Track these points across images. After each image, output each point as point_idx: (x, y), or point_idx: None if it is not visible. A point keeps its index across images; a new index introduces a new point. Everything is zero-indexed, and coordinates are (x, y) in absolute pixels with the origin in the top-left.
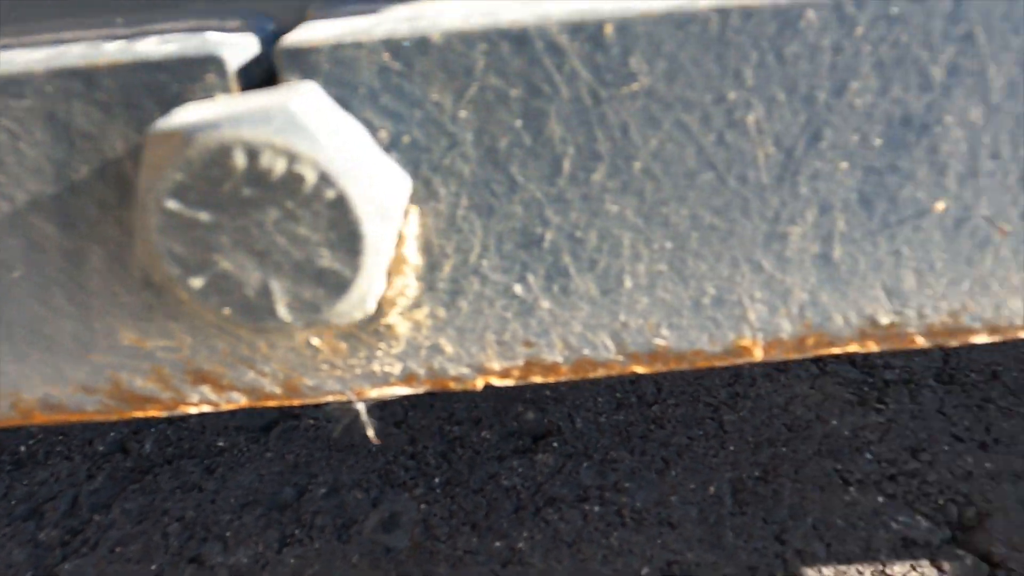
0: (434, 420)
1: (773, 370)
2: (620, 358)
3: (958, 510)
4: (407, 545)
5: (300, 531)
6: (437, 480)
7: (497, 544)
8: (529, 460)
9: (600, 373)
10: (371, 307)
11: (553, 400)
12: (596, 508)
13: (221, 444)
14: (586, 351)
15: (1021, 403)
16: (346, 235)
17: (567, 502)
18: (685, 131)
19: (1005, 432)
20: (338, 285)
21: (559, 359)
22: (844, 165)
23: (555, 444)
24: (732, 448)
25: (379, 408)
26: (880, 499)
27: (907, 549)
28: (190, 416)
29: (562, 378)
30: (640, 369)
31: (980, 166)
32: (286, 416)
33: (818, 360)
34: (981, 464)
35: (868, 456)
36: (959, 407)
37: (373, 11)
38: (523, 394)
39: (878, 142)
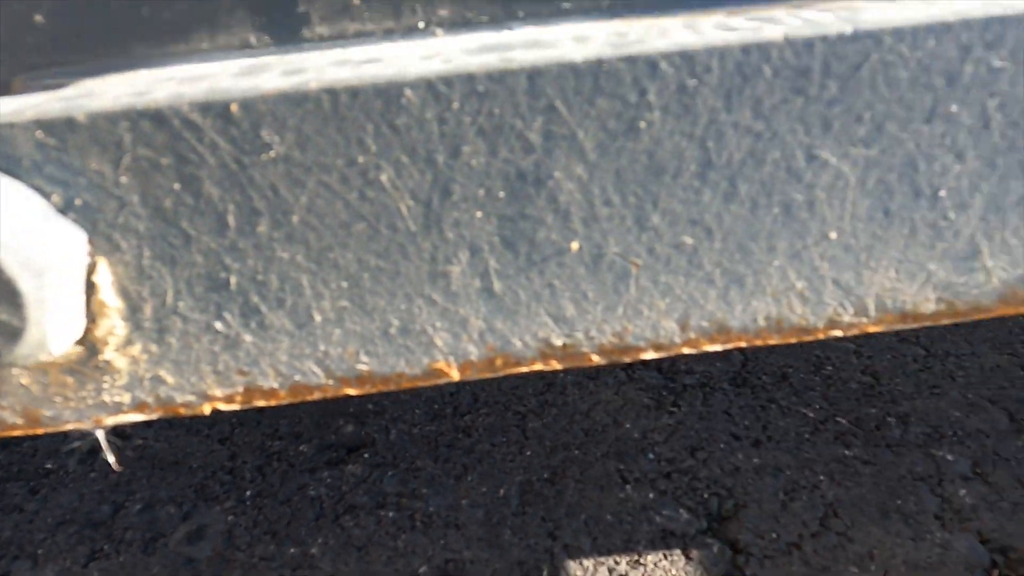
0: (257, 436)
1: (584, 378)
2: (331, 382)
3: (718, 503)
4: (209, 555)
5: (109, 546)
6: (249, 493)
7: (292, 551)
8: (339, 471)
9: (317, 395)
10: (57, 348)
11: (373, 413)
12: (391, 514)
13: (49, 466)
14: (297, 377)
15: (802, 402)
16: (6, 293)
17: (366, 509)
18: (329, 190)
19: (779, 429)
20: (12, 334)
21: (275, 384)
22: (479, 214)
23: (366, 455)
24: (529, 453)
25: (207, 426)
26: (651, 495)
27: (664, 540)
28: (23, 439)
29: (283, 401)
30: (352, 391)
31: (598, 212)
32: (117, 436)
33: (628, 367)
34: (750, 460)
35: (651, 456)
36: (744, 408)
37: (68, 84)
38: (346, 408)
39: (502, 194)
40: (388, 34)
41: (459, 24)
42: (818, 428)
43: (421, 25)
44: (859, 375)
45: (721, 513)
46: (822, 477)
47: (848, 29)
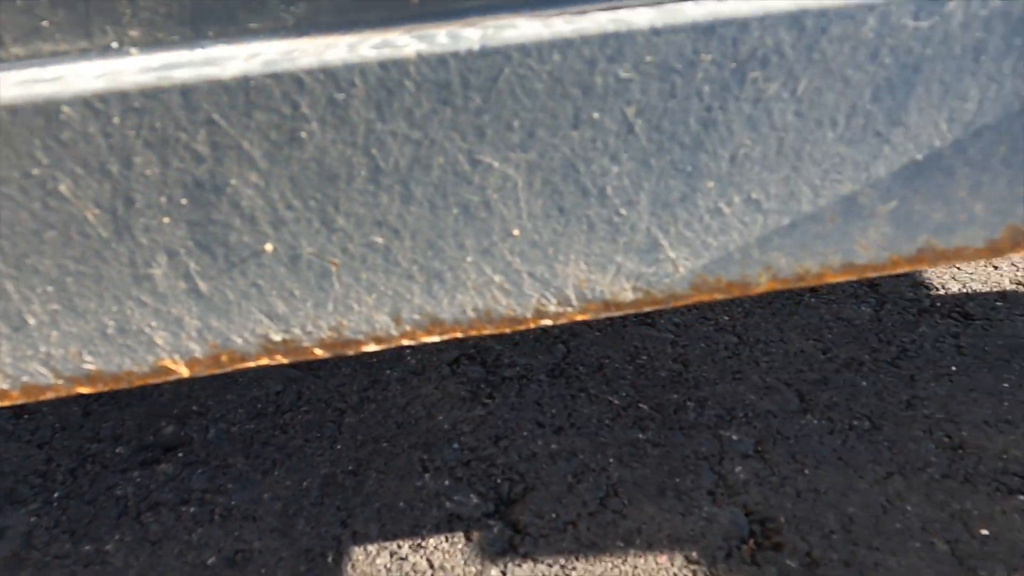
0: (77, 440)
1: (409, 373)
2: (60, 381)
3: (509, 487)
4: (6, 555)
5: None
6: (57, 495)
7: (87, 548)
8: (151, 470)
9: (51, 395)
10: None
11: (196, 414)
12: (192, 509)
13: None
14: (25, 378)
15: (611, 390)
16: None
17: (168, 506)
18: (12, 200)
19: (583, 417)
20: None
21: (6, 385)
22: (167, 220)
23: (181, 455)
24: (339, 447)
25: (29, 432)
26: (447, 482)
27: (449, 524)
28: None
29: (19, 401)
30: (84, 390)
31: (283, 215)
32: None
33: (454, 361)
34: (548, 446)
35: (455, 446)
36: (555, 397)
37: None
38: (170, 409)
39: (184, 201)
40: (84, 53)
41: (151, 44)
42: (620, 414)
43: (115, 45)
44: (670, 363)
45: (510, 497)
46: (611, 460)
47: (476, 46)
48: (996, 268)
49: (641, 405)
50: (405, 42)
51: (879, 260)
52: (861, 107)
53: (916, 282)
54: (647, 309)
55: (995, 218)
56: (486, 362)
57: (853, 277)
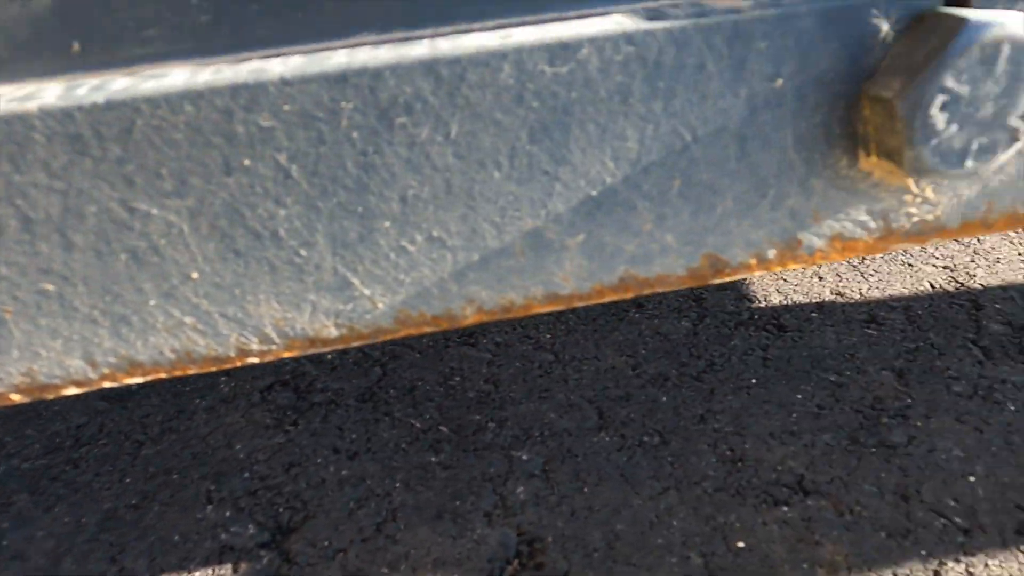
0: None
1: (219, 402)
2: None
3: (290, 516)
4: None
5: None
6: None
7: None
8: None
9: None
10: None
11: None
12: None
13: None
14: None
15: (417, 413)
16: None
17: None
18: None
19: (382, 441)
20: None
21: None
22: None
23: None
24: (128, 480)
25: None
26: (228, 513)
27: (220, 556)
28: None
29: None
30: None
31: None
32: None
33: (266, 388)
34: (339, 472)
35: (247, 475)
36: (359, 422)
37: None
38: None
39: None
40: None
41: None
42: (418, 437)
43: None
44: (481, 383)
45: (289, 526)
46: (398, 484)
47: (101, 100)
48: (820, 279)
49: (442, 427)
50: (30, 95)
51: (584, 290)
52: (521, 148)
53: (740, 295)
54: (357, 344)
55: (689, 247)
56: (299, 387)
57: (563, 307)
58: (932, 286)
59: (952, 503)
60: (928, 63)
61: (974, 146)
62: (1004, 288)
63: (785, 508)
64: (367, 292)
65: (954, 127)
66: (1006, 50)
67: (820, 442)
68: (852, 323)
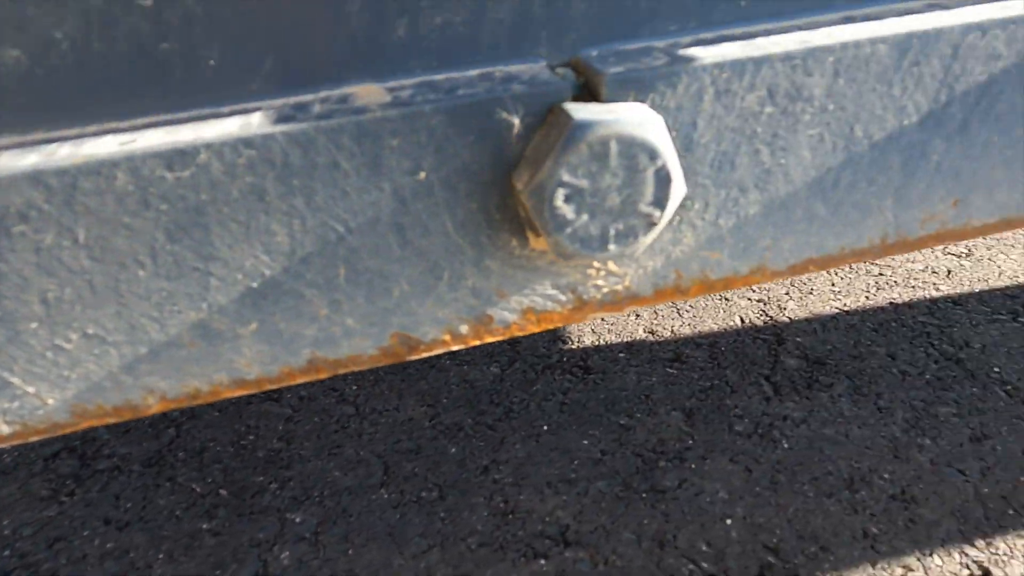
0: None
1: None
2: None
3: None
4: None
5: None
6: None
7: None
8: None
9: None
10: None
11: None
12: None
13: None
14: None
15: (200, 477)
16: None
17: None
18: None
19: (157, 508)
20: None
21: None
22: None
23: None
24: None
25: None
26: None
27: None
28: None
29: None
30: None
31: None
32: None
33: (51, 456)
34: (104, 546)
35: (7, 554)
36: (138, 489)
37: None
38: None
39: None
40: None
41: None
42: (195, 503)
43: None
44: (275, 442)
45: None
46: (162, 556)
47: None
48: (637, 316)
49: (222, 491)
50: None
51: (273, 374)
52: (161, 248)
53: (554, 337)
54: (36, 439)
55: (374, 329)
56: (84, 454)
57: (256, 390)
58: (742, 320)
59: (704, 548)
60: (545, 159)
61: (611, 232)
62: (810, 320)
63: (543, 561)
64: (31, 390)
65: (584, 216)
66: (614, 146)
67: (594, 490)
68: (656, 362)
